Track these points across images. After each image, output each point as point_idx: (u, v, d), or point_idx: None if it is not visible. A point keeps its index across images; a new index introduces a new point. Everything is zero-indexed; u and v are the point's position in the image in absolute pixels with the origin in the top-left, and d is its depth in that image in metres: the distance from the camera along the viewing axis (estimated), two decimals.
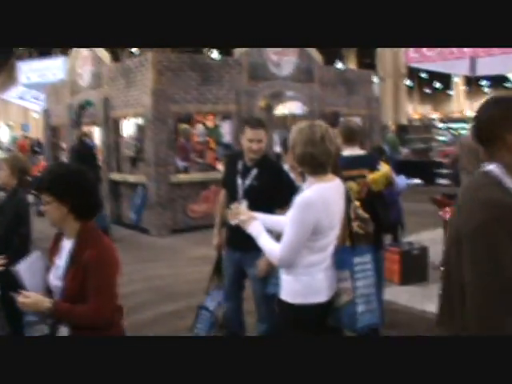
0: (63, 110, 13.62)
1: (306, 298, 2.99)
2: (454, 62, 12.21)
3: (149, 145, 10.25)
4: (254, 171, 4.24)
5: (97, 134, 12.64)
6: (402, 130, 18.90)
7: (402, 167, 11.08)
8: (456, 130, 22.01)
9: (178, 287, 7.00)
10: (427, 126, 19.30)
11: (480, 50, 11.30)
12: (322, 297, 3.02)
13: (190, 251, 8.94)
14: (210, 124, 13.96)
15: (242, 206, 3.93)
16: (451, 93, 30.48)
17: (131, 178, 11.16)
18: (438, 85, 31.29)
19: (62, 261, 2.67)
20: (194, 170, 11.66)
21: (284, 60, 11.88)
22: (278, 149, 9.64)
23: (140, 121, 11.99)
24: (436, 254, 6.22)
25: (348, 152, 4.72)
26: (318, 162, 2.94)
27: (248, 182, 4.24)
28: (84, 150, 10.98)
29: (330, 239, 3.02)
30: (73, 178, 2.66)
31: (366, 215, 4.11)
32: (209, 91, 10.70)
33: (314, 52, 12.54)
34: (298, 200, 2.88)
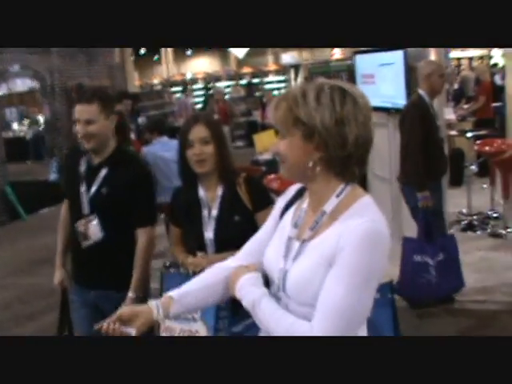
0: None
1: None
2: None
3: None
4: (103, 172, 2.90)
5: None
6: (133, 98, 18.00)
7: None
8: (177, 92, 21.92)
9: None
10: (159, 91, 18.73)
11: None
12: None
13: None
14: None
15: (93, 224, 2.86)
16: (156, 58, 30.36)
17: None
18: (142, 51, 30.84)
19: None
20: None
21: None
22: None
23: None
24: None
25: None
26: (366, 156, 1.62)
27: (94, 188, 2.90)
28: None
29: None
30: None
31: None
32: None
33: None
34: (362, 232, 1.49)
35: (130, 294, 2.86)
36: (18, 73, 11.43)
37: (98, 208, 2.89)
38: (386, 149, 6.09)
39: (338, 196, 1.58)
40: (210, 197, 2.66)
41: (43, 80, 11.10)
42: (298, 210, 1.72)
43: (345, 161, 1.56)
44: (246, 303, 1.63)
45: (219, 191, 2.64)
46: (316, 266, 1.53)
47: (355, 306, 1.47)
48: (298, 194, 1.77)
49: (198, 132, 2.58)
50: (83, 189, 2.91)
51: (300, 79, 20.23)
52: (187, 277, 2.54)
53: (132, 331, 1.70)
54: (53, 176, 11.40)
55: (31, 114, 16.85)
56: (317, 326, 1.48)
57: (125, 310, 1.75)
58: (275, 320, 1.57)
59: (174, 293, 1.78)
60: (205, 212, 2.64)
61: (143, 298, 2.81)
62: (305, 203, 1.71)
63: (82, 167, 2.95)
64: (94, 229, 2.89)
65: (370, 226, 1.50)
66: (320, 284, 1.51)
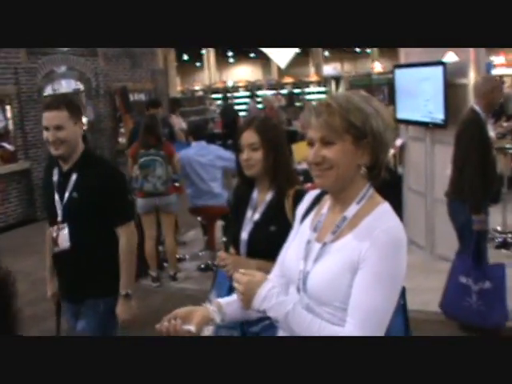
0: None
1: None
2: None
3: None
4: (74, 177, 2.94)
5: None
6: (174, 103, 18.20)
7: None
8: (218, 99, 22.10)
9: None
10: (200, 97, 18.96)
11: None
12: None
13: None
14: None
15: (63, 232, 2.90)
16: (199, 64, 30.71)
17: None
18: (185, 57, 31.22)
19: None
20: None
21: None
22: None
23: None
24: None
25: None
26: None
27: (67, 194, 2.94)
28: None
29: None
30: None
31: None
32: None
33: None
34: (387, 238, 1.58)
35: (122, 292, 2.97)
36: (62, 74, 11.69)
37: (71, 213, 2.94)
38: (422, 163, 6.11)
39: (358, 203, 1.68)
40: (260, 199, 2.64)
41: (88, 82, 11.36)
42: (317, 215, 1.80)
43: (384, 164, 1.69)
44: (275, 314, 1.62)
45: (268, 196, 2.61)
46: (340, 270, 1.61)
47: (384, 309, 1.57)
48: (316, 200, 1.86)
49: (248, 138, 2.56)
50: (57, 197, 2.96)
51: (341, 91, 20.25)
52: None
53: (192, 328, 1.77)
54: None
55: None
56: (353, 333, 1.54)
57: (180, 309, 1.83)
58: (316, 330, 1.58)
59: (222, 300, 1.91)
60: (249, 212, 2.63)
61: (130, 294, 2.99)
62: (324, 208, 1.79)
63: (55, 177, 3.00)
64: (63, 237, 2.95)
65: (392, 233, 1.59)
66: (345, 288, 1.59)
